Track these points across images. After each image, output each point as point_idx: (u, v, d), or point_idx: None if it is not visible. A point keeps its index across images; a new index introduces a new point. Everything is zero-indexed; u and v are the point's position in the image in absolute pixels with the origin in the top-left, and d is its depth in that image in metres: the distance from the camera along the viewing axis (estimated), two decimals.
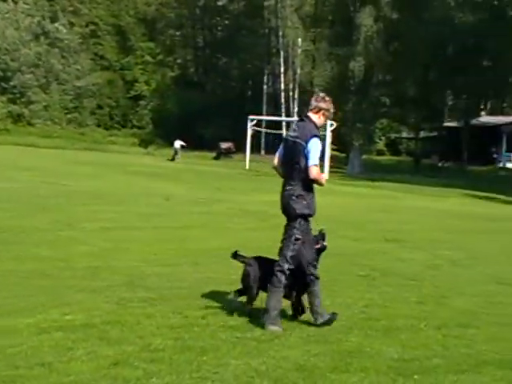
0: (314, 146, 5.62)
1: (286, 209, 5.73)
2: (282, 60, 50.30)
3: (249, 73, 54.96)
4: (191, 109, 49.09)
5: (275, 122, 44.97)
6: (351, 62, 42.76)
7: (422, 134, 49.99)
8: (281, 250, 5.74)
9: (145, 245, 9.75)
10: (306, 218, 5.73)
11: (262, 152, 47.84)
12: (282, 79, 50.53)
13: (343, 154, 45.28)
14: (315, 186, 5.80)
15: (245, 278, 5.96)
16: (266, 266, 5.83)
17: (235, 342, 5.16)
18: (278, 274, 5.66)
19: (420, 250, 10.78)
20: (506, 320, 6.46)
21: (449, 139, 46.15)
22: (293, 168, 5.71)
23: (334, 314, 5.84)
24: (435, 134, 49.49)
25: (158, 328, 5.43)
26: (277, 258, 5.78)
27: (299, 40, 50.60)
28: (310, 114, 5.84)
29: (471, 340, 5.64)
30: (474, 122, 46.65)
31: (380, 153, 56.88)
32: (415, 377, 4.64)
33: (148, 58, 56.08)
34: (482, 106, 54.38)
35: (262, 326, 5.57)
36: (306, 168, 5.62)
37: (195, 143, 42.63)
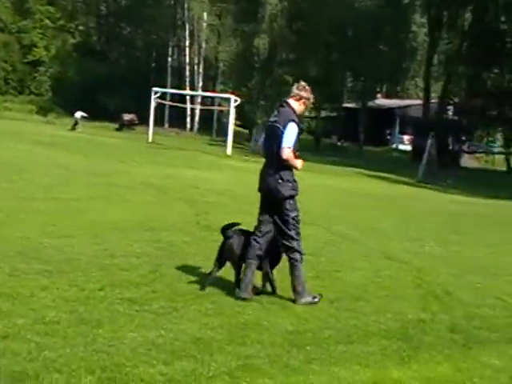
0: (289, 130, 5.92)
1: (273, 193, 6.00)
2: (187, 33, 49.64)
3: (153, 44, 53.75)
4: (93, 78, 47.43)
5: (180, 96, 44.48)
6: (256, 39, 42.90)
7: (323, 113, 51.18)
8: (283, 232, 6.02)
9: (42, 216, 9.40)
10: (292, 197, 6.06)
11: (166, 125, 47.25)
12: (187, 52, 49.94)
13: (247, 131, 45.52)
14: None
15: (228, 251, 6.18)
16: (247, 238, 6.13)
17: (133, 314, 5.14)
18: (293, 252, 6.03)
19: (317, 227, 11.05)
20: (393, 293, 6.82)
21: (347, 120, 47.57)
22: (272, 151, 6.00)
23: (317, 295, 6.13)
24: (335, 114, 50.82)
25: (52, 301, 5.30)
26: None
27: (204, 14, 50.09)
28: (291, 101, 6.11)
29: (361, 312, 5.93)
30: (370, 104, 48.32)
31: None
32: (308, 348, 4.82)
33: (48, 22, 53.40)
34: (378, 89, 56.34)
35: (161, 299, 5.58)
36: (279, 148, 5.89)
37: (97, 113, 41.32)
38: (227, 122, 34.07)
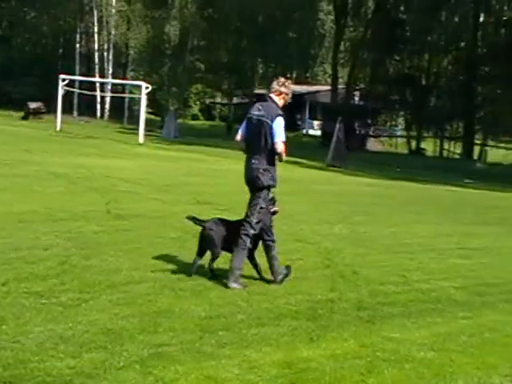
0: (279, 124, 6.23)
1: (254, 181, 6.34)
2: (95, 19, 48.28)
3: (61, 30, 51.89)
4: None
5: (89, 83, 43.25)
6: (167, 26, 42.36)
7: (235, 100, 51.33)
8: (247, 216, 6.37)
9: None
10: (269, 188, 6.41)
11: (75, 113, 45.87)
12: (96, 39, 48.60)
13: (158, 118, 44.98)
14: None
15: (207, 239, 6.49)
16: (226, 227, 6.53)
17: (39, 308, 5.01)
18: (244, 237, 6.30)
19: (229, 212, 11.06)
20: (303, 275, 6.98)
21: None
22: (259, 144, 6.27)
23: (287, 267, 6.60)
24: (247, 100, 51.10)
25: None
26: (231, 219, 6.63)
27: (113, 0, 48.88)
28: (272, 96, 6.41)
29: (272, 295, 6.04)
30: None
31: (195, 117, 57.47)
32: (220, 333, 4.87)
33: None
34: (288, 75, 57.10)
35: (69, 291, 5.47)
36: (272, 144, 6.21)
37: (0, 102, 39.54)
38: (139, 110, 33.51)
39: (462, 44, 42.67)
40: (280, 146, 6.22)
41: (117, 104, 47.57)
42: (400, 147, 43.84)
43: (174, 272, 6.53)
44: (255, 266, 6.66)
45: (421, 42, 42.65)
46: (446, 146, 42.97)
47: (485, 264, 8.53)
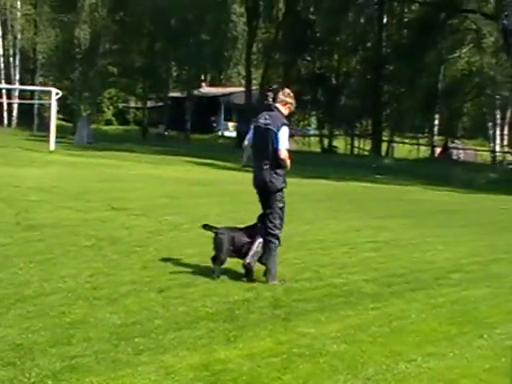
0: (284, 133, 6.74)
1: (268, 185, 6.85)
2: None
3: None
4: None
5: None
6: (76, 30, 41.30)
7: (149, 103, 50.76)
8: (268, 219, 6.83)
9: None
10: (282, 190, 6.91)
11: None
12: (1, 44, 46.73)
13: (71, 124, 43.77)
14: None
15: (217, 244, 6.90)
16: (236, 234, 6.98)
17: None
18: (271, 238, 6.80)
19: (146, 217, 11.03)
20: (226, 276, 7.03)
21: (174, 109, 47.66)
22: (267, 151, 6.79)
23: (282, 280, 6.85)
24: (161, 103, 50.69)
25: None
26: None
27: (18, 2, 47.17)
28: (278, 106, 6.95)
29: (189, 298, 6.05)
30: (196, 92, 48.83)
31: (108, 122, 56.37)
32: (136, 340, 4.83)
33: None
34: (202, 78, 57.10)
35: None
36: (277, 150, 6.70)
37: None
38: (49, 116, 32.48)
39: (369, 44, 44.10)
40: (283, 153, 6.74)
41: (25, 111, 45.92)
42: (313, 146, 44.76)
43: (88, 281, 6.41)
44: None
45: (330, 42, 43.75)
46: (356, 143, 44.26)
47: (393, 256, 8.88)
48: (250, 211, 12.72)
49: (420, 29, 37.90)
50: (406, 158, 38.40)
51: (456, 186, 23.83)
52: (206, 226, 7.27)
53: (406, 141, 45.06)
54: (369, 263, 8.20)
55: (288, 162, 6.83)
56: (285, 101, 6.99)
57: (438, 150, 42.49)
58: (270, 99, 7.30)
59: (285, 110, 6.96)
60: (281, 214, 6.89)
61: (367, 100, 41.99)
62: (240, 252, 6.95)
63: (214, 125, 54.50)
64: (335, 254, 8.65)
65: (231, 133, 50.67)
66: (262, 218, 6.99)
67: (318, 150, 43.43)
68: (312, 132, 50.58)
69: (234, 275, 7.10)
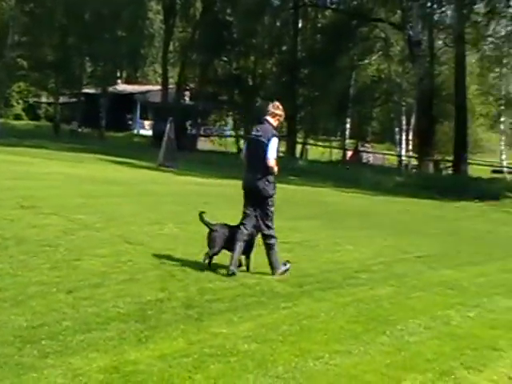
0: (273, 144, 7.37)
1: (259, 191, 7.50)
2: None
3: None
4: None
5: None
6: None
7: (62, 99, 49.25)
8: (263, 223, 7.54)
9: None
10: (273, 196, 7.56)
11: None
12: None
13: None
14: None
15: (210, 239, 7.66)
16: (228, 230, 7.66)
17: None
18: (269, 239, 7.56)
19: (57, 216, 10.72)
20: (133, 276, 6.96)
21: (88, 105, 46.46)
22: (258, 160, 7.42)
23: (286, 262, 7.69)
24: (75, 99, 49.29)
25: None
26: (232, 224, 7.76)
27: None
28: (268, 118, 7.57)
29: (100, 299, 5.95)
30: (111, 89, 47.84)
31: (17, 117, 54.20)
32: (43, 342, 4.71)
33: None
34: (118, 75, 56.03)
35: None
36: (266, 158, 7.34)
37: None
38: None
39: (284, 48, 44.73)
40: (271, 162, 7.36)
41: None
42: (230, 146, 44.92)
43: None
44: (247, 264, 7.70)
45: (247, 44, 44.03)
46: None
47: (305, 256, 9.10)
48: (165, 210, 12.73)
49: (333, 35, 38.82)
50: (319, 160, 39.30)
51: (365, 188, 24.67)
52: (202, 220, 7.91)
53: (320, 143, 46.09)
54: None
55: (275, 168, 7.42)
56: (274, 113, 7.59)
57: (349, 153, 43.73)
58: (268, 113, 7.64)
59: (274, 122, 7.57)
60: (272, 217, 7.60)
61: (282, 102, 42.49)
62: (232, 248, 7.60)
63: (130, 123, 53.64)
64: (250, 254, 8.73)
65: (147, 131, 50.00)
66: (243, 221, 7.63)
67: (235, 150, 43.62)
68: (228, 132, 50.74)
69: (148, 275, 7.05)
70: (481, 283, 8.26)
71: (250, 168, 7.65)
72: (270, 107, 7.66)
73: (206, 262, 7.64)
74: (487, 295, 7.48)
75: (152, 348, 4.82)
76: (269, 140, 7.38)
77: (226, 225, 7.89)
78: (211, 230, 7.72)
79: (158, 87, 49.73)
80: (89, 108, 45.80)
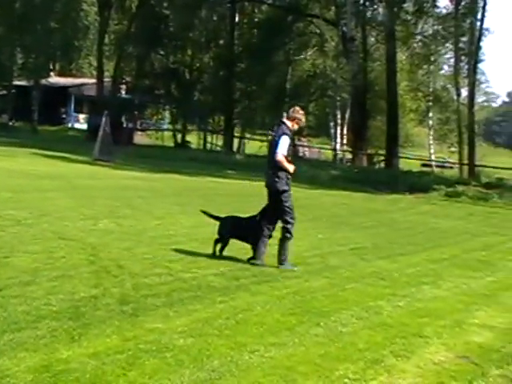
0: (283, 141, 7.90)
1: (271, 187, 8.06)
2: None
3: None
4: None
5: None
6: None
7: None
8: (282, 219, 8.04)
9: None
10: (286, 191, 7.98)
11: None
12: None
13: None
14: None
15: (220, 227, 8.50)
16: (237, 222, 8.56)
17: None
18: (286, 232, 7.98)
19: None
20: (66, 273, 6.82)
21: (19, 98, 45.04)
22: (271, 157, 8.03)
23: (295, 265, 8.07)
24: (5, 92, 47.66)
25: None
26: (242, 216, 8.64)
27: None
28: (285, 121, 8.16)
29: (30, 297, 5.79)
30: (44, 82, 46.52)
31: None
32: None
33: None
34: (51, 67, 54.53)
35: None
36: (274, 153, 7.91)
37: None
38: None
39: (221, 42, 44.62)
40: (278, 156, 7.86)
41: None
42: (166, 141, 44.52)
43: None
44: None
45: (183, 37, 43.68)
46: (209, 139, 44.67)
47: (241, 250, 9.09)
48: (100, 205, 12.52)
49: (269, 30, 39.03)
50: (256, 155, 39.48)
51: (301, 181, 24.94)
52: (206, 213, 8.82)
53: (257, 137, 46.30)
54: (218, 258, 8.37)
55: (285, 165, 7.88)
56: (293, 116, 8.15)
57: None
58: None
59: (291, 124, 8.08)
60: (290, 212, 7.99)
61: (219, 96, 42.48)
62: (240, 237, 8.46)
63: (64, 116, 52.33)
64: (185, 249, 8.72)
65: (82, 125, 48.93)
66: (263, 213, 8.18)
67: (172, 144, 43.28)
68: (165, 126, 50.26)
69: (82, 272, 6.92)
70: (410, 273, 8.52)
71: (267, 166, 8.23)
72: (290, 111, 8.26)
73: (217, 249, 8.35)
74: (416, 285, 7.73)
75: (85, 346, 4.73)
76: (279, 137, 7.93)
77: (235, 216, 8.74)
78: (221, 219, 8.54)
79: (93, 80, 48.70)
80: (20, 101, 44.41)
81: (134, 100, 45.26)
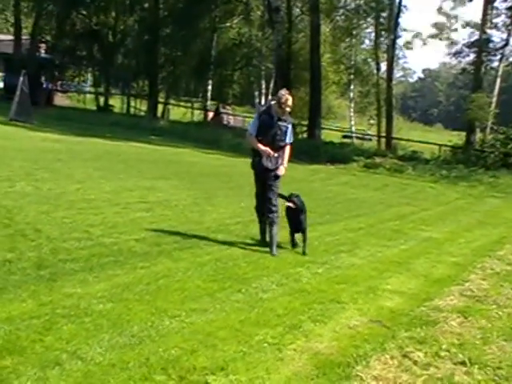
0: (290, 130, 7.84)
1: (277, 171, 7.75)
2: None
3: None
4: None
5: None
6: None
7: None
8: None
9: None
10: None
11: None
12: None
13: None
14: None
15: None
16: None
17: None
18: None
19: None
20: None
21: None
22: (282, 144, 7.82)
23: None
24: None
25: None
26: None
27: None
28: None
29: None
30: None
31: None
32: None
33: None
34: None
35: None
36: None
37: None
38: None
39: (146, 5, 43.41)
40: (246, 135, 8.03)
41: None
42: (88, 104, 43.20)
43: None
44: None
45: None
46: (132, 103, 43.71)
47: (164, 216, 9.08)
48: (16, 167, 12.04)
49: None
50: (181, 121, 39.05)
51: (225, 149, 24.97)
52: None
53: (182, 104, 45.71)
54: (140, 223, 8.28)
55: (254, 145, 7.71)
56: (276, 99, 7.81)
57: (210, 115, 43.83)
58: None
59: (274, 103, 7.68)
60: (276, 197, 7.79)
61: (143, 60, 41.51)
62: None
63: None
64: (106, 214, 8.57)
65: None
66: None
67: (94, 108, 42.05)
68: (87, 89, 48.69)
69: None
70: (329, 242, 8.75)
71: (271, 149, 7.76)
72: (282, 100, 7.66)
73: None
74: (334, 253, 7.95)
75: None
76: (289, 125, 7.79)
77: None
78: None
79: (10, 37, 46.27)
80: None
81: (54, 60, 43.46)
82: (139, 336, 4.41)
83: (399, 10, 36.23)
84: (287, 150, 7.83)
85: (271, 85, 43.22)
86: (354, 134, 43.91)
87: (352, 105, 45.87)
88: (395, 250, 8.77)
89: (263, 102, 43.06)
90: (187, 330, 4.63)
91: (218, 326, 4.77)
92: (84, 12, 43.30)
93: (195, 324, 4.76)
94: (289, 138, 7.80)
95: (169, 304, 5.13)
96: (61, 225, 7.58)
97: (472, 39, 36.87)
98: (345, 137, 42.29)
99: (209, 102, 45.27)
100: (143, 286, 5.53)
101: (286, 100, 7.55)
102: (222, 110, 44.97)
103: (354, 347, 4.60)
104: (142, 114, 41.27)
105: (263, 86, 43.22)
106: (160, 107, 42.19)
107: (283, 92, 7.66)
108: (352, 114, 45.76)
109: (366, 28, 43.84)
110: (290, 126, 7.81)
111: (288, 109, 7.65)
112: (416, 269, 7.57)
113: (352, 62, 44.09)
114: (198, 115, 44.60)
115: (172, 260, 6.59)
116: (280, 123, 7.65)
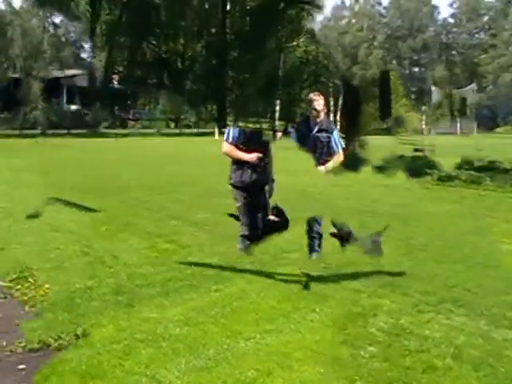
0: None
1: None
2: None
3: None
4: None
5: None
6: None
7: None
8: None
9: None
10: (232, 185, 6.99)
11: None
12: None
13: None
14: None
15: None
16: None
17: None
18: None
19: None
20: (61, 264, 6.82)
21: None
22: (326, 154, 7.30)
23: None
24: None
25: None
26: None
27: None
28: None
29: None
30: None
31: None
32: None
33: None
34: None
35: None
36: None
37: None
38: None
39: (213, 30, 44.38)
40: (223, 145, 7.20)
41: None
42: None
43: None
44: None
45: (175, 26, 43.42)
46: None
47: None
48: None
49: (261, 17, 38.88)
50: None
51: None
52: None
53: (250, 125, 46.12)
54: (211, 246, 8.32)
55: (233, 154, 7.08)
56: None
57: (279, 135, 44.00)
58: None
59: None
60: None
61: (212, 85, 42.35)
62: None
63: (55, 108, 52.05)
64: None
65: None
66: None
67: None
68: (158, 115, 50.06)
69: (76, 263, 6.92)
70: None
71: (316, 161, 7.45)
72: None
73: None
74: None
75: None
76: (333, 131, 7.36)
77: None
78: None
79: (84, 71, 48.28)
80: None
81: (126, 90, 45.06)
82: (215, 359, 4.44)
83: None
84: (337, 156, 7.19)
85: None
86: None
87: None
88: None
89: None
90: (263, 351, 4.61)
91: (293, 346, 4.72)
92: (154, 42, 44.74)
93: (270, 345, 4.74)
94: (337, 146, 7.15)
95: (243, 326, 5.13)
96: (136, 251, 7.75)
97: None
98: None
99: (277, 122, 45.56)
100: (218, 309, 5.55)
101: (311, 101, 7.02)
102: (290, 130, 45.06)
103: None
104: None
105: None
106: None
107: (311, 94, 7.15)
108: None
109: None
110: (333, 135, 7.15)
111: (321, 114, 7.05)
112: None
113: None
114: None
115: (245, 281, 6.57)
116: (319, 134, 7.09)
